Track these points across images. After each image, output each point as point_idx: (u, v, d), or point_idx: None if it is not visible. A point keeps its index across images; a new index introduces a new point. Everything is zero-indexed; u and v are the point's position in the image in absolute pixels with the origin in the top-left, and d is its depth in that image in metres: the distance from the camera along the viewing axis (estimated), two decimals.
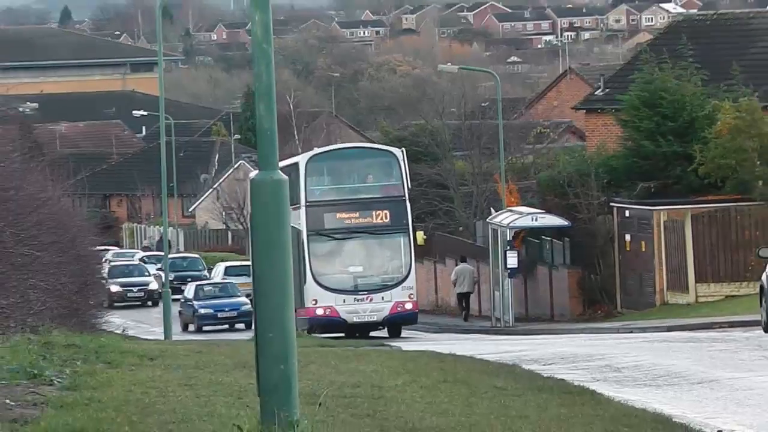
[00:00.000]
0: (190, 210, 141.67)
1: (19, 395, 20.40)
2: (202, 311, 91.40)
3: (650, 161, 74.52)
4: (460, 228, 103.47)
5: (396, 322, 68.21)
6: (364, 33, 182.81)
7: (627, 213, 75.53)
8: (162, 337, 62.52)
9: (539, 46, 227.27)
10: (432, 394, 22.39)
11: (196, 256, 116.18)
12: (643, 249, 73.25)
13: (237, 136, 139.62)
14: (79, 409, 19.06)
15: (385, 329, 68.41)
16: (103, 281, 73.20)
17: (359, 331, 67.44)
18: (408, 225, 67.07)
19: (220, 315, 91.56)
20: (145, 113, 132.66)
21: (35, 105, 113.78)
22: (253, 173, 17.84)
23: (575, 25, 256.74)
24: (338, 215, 66.92)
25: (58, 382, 23.23)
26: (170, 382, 24.82)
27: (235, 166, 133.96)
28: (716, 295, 68.52)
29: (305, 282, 65.78)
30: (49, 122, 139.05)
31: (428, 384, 24.33)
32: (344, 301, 65.56)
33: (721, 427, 18.18)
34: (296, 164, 70.57)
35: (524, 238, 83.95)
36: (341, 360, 31.02)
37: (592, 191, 76.85)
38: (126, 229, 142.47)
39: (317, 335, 63.37)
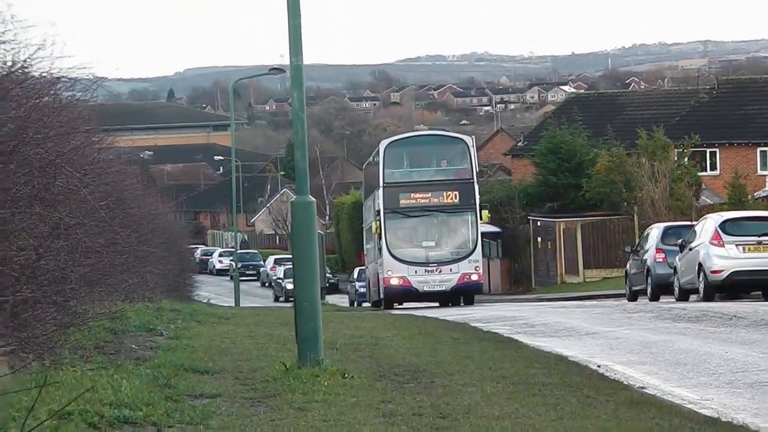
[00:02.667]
0: (251, 221, 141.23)
1: (141, 342, 20.38)
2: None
3: (553, 189, 74.98)
4: None
5: (462, 291, 53.26)
6: (365, 105, 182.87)
7: (539, 223, 75.55)
8: (233, 305, 62.33)
9: (481, 113, 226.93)
10: (410, 342, 22.37)
11: (256, 251, 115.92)
12: (549, 247, 73.33)
13: (282, 173, 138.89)
14: (179, 351, 19.05)
15: (461, 299, 53.67)
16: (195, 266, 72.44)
17: (429, 299, 53.55)
18: (475, 204, 52.49)
19: None
20: (222, 158, 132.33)
21: (151, 153, 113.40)
22: (293, 197, 17.88)
23: (504, 99, 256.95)
24: (413, 195, 52.92)
25: (166, 333, 23.21)
26: (238, 334, 24.79)
27: (281, 192, 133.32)
28: (597, 276, 68.77)
29: (382, 255, 53.10)
30: (159, 164, 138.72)
31: (408, 335, 24.29)
32: (416, 272, 51.89)
33: (600, 362, 18.14)
34: (377, 150, 56.86)
35: None
36: (350, 320, 30.97)
37: (516, 209, 77.28)
38: (209, 234, 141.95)
39: (395, 307, 52.88)
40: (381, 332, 25.05)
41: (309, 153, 18.31)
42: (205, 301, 53.77)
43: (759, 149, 78.68)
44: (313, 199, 17.84)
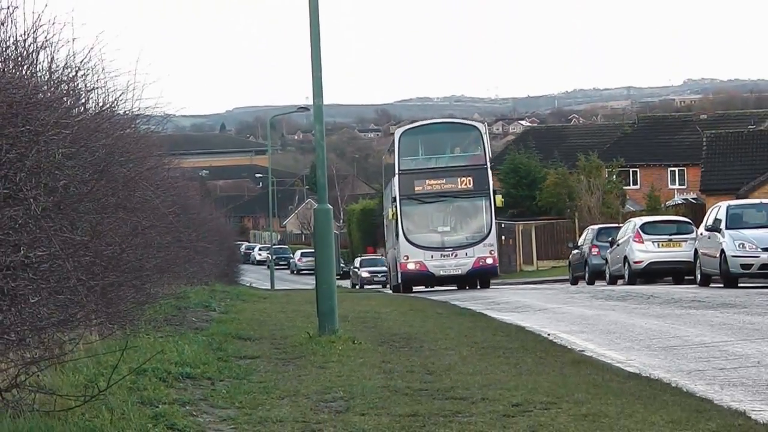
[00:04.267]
0: (283, 224, 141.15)
1: (199, 316, 20.36)
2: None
3: (514, 199, 74.65)
4: None
5: (477, 274, 44.48)
6: (370, 135, 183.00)
7: (503, 225, 75.29)
8: (269, 287, 62.35)
9: None
10: (404, 317, 22.36)
11: (287, 247, 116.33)
12: (511, 243, 73.00)
13: (307, 187, 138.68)
14: (228, 323, 19.04)
15: (478, 282, 44.69)
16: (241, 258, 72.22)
17: (446, 283, 44.54)
18: (489, 190, 43.85)
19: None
20: (261, 175, 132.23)
21: (207, 172, 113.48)
22: (315, 206, 17.88)
23: None
24: (427, 182, 44.23)
25: (218, 309, 23.20)
26: (273, 310, 24.79)
27: (306, 202, 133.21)
28: (547, 266, 68.51)
29: (398, 240, 43.85)
30: (213, 180, 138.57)
31: (402, 311, 24.28)
32: (432, 257, 43.34)
33: (550, 331, 18.12)
34: (394, 138, 47.23)
35: None
36: (359, 299, 30.99)
37: None
38: (251, 233, 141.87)
39: (413, 290, 44.09)
40: (382, 309, 25.06)
41: (327, 171, 18.31)
42: (248, 284, 53.67)
43: (669, 169, 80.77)
44: (331, 207, 17.84)
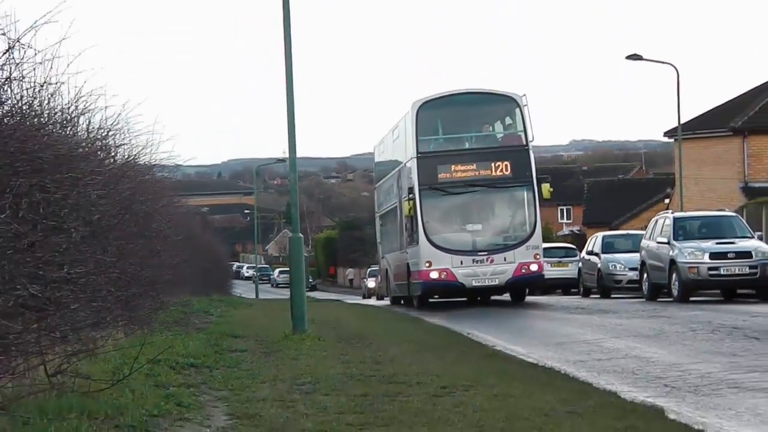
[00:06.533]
0: (265, 248, 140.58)
1: (200, 319, 20.27)
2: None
3: None
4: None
5: (520, 285, 27.71)
6: (332, 181, 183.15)
7: None
8: (254, 297, 62.12)
9: None
10: (358, 321, 22.32)
11: (268, 266, 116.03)
12: None
13: (284, 220, 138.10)
14: (223, 324, 18.97)
15: (508, 293, 28.88)
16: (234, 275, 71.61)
17: (479, 295, 28.56)
18: (532, 177, 27.21)
19: None
20: (249, 211, 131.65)
21: (207, 208, 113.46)
22: (290, 235, 17.85)
23: None
24: (453, 167, 27.58)
25: (215, 314, 23.10)
26: (258, 314, 24.70)
27: (283, 232, 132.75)
28: None
29: (418, 242, 27.40)
30: (211, 215, 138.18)
31: (357, 317, 24.23)
32: (461, 263, 26.72)
33: (469, 331, 18.11)
34: (407, 113, 29.15)
35: None
36: (323, 308, 30.85)
37: None
38: (241, 256, 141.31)
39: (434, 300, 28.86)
40: (341, 314, 24.97)
41: (299, 209, 18.32)
42: (238, 295, 53.47)
43: (559, 208, 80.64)
44: (302, 236, 17.85)
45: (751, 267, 24.11)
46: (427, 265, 26.66)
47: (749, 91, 47.13)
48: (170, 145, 38.00)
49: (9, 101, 7.79)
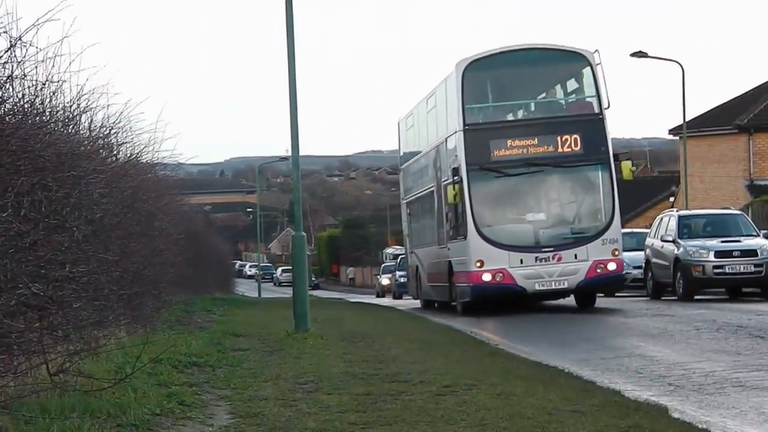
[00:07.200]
0: (268, 247, 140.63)
1: (203, 318, 20.31)
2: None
3: None
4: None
5: (593, 289, 21.44)
6: (335, 179, 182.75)
7: None
8: (257, 296, 62.07)
9: None
10: (361, 319, 22.32)
11: (270, 264, 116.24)
12: None
13: (287, 218, 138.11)
14: (225, 323, 19.01)
15: (587, 300, 21.85)
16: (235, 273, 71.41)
17: (542, 300, 22.84)
18: (608, 153, 20.47)
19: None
20: (251, 210, 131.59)
21: (209, 207, 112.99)
22: (293, 233, 17.87)
23: None
24: (510, 142, 20.80)
25: (217, 313, 23.14)
26: (259, 313, 24.74)
27: (285, 230, 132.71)
28: None
29: (466, 236, 21.07)
30: (214, 213, 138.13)
31: (359, 315, 24.25)
32: (521, 262, 20.38)
33: (472, 330, 18.12)
34: (449, 75, 22.38)
35: None
36: (325, 306, 30.88)
37: None
38: (243, 254, 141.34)
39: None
40: (343, 313, 24.99)
41: (302, 207, 18.33)
42: (240, 293, 53.53)
43: None
44: (304, 234, 17.85)
45: (756, 265, 24.10)
46: (478, 264, 21.37)
47: (755, 88, 47.09)
48: (173, 144, 38.32)
49: (11, 99, 7.82)
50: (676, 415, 8.35)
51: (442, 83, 23.64)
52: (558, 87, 23.43)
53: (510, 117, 23.04)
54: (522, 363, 12.42)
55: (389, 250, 68.66)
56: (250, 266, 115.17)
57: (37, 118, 8.28)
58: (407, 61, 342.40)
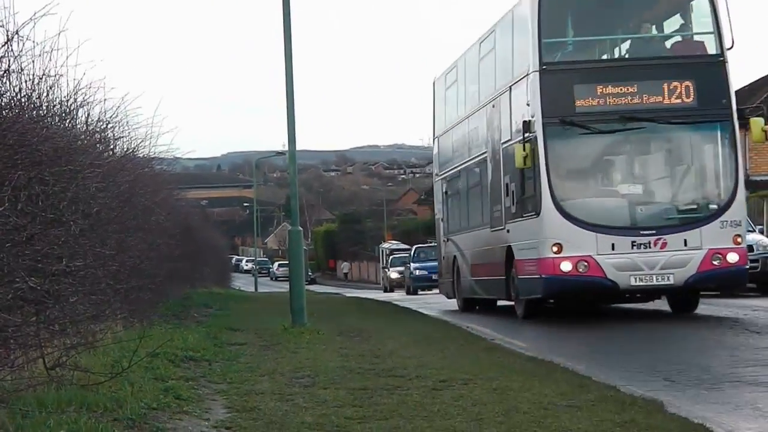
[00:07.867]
0: (265, 241, 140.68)
1: (201, 313, 20.30)
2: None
3: None
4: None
5: (705, 286, 15.03)
6: (331, 174, 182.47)
7: (430, 242, 74.63)
8: (254, 290, 62.03)
9: (399, 179, 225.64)
10: (357, 314, 22.33)
11: (266, 258, 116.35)
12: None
13: (283, 213, 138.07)
14: (222, 317, 19.01)
15: (691, 301, 15.75)
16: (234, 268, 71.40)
17: (636, 299, 16.35)
18: (730, 106, 14.01)
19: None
20: (248, 204, 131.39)
21: (206, 201, 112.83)
22: (290, 228, 17.86)
23: (414, 171, 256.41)
24: (600, 89, 14.18)
25: (214, 307, 23.14)
26: (257, 307, 24.75)
27: (282, 224, 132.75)
28: None
29: (539, 211, 15.14)
30: (211, 208, 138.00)
31: (356, 310, 24.26)
32: (613, 248, 13.93)
33: (468, 325, 18.11)
34: (517, 4, 16.54)
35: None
36: (322, 302, 30.88)
37: (420, 235, 76.92)
38: (240, 249, 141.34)
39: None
40: (341, 308, 25.01)
41: (298, 202, 18.35)
42: (237, 288, 53.49)
43: None
44: (301, 229, 17.86)
45: (751, 261, 24.09)
46: (555, 249, 15.99)
47: (749, 84, 47.11)
48: (169, 138, 38.44)
49: (8, 93, 7.81)
50: (672, 410, 8.36)
51: (506, 16, 18.22)
52: (664, 19, 17.79)
53: (600, 57, 17.34)
54: (518, 358, 12.42)
55: (385, 245, 68.61)
56: (247, 261, 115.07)
57: (34, 112, 8.28)
58: (405, 56, 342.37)
